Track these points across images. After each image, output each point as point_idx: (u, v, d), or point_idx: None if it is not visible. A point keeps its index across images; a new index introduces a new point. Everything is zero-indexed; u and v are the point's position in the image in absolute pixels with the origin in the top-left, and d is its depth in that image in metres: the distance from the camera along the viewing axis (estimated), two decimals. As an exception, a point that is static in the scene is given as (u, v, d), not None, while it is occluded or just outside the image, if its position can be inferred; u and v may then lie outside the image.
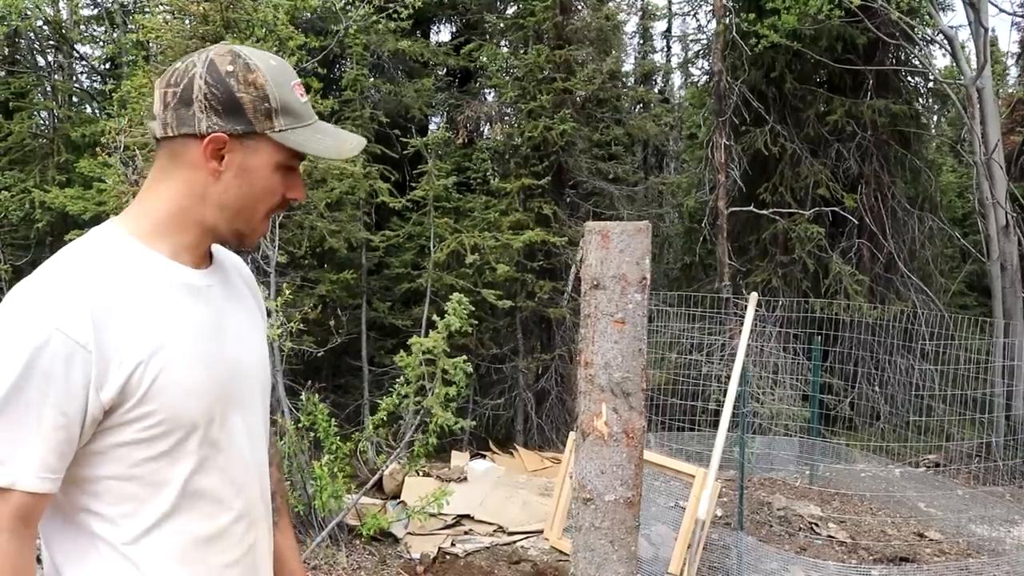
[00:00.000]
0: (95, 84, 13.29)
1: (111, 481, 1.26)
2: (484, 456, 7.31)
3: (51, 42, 12.34)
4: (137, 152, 6.40)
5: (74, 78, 13.19)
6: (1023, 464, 5.44)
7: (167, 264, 1.33)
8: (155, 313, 1.27)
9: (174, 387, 1.25)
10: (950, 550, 5.61)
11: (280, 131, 1.30)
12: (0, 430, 1.17)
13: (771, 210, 9.31)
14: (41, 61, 12.48)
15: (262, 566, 1.43)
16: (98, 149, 7.09)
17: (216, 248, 1.50)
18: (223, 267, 1.48)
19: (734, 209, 9.26)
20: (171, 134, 1.30)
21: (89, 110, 12.84)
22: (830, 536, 5.57)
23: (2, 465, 1.17)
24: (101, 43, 12.76)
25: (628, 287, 3.53)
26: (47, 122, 12.50)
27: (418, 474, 5.91)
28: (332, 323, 6.30)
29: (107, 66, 12.74)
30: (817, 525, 5.69)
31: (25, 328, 1.18)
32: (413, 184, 8.60)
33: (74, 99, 12.97)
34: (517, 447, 7.86)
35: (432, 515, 5.35)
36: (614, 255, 3.52)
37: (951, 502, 6.42)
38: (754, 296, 4.74)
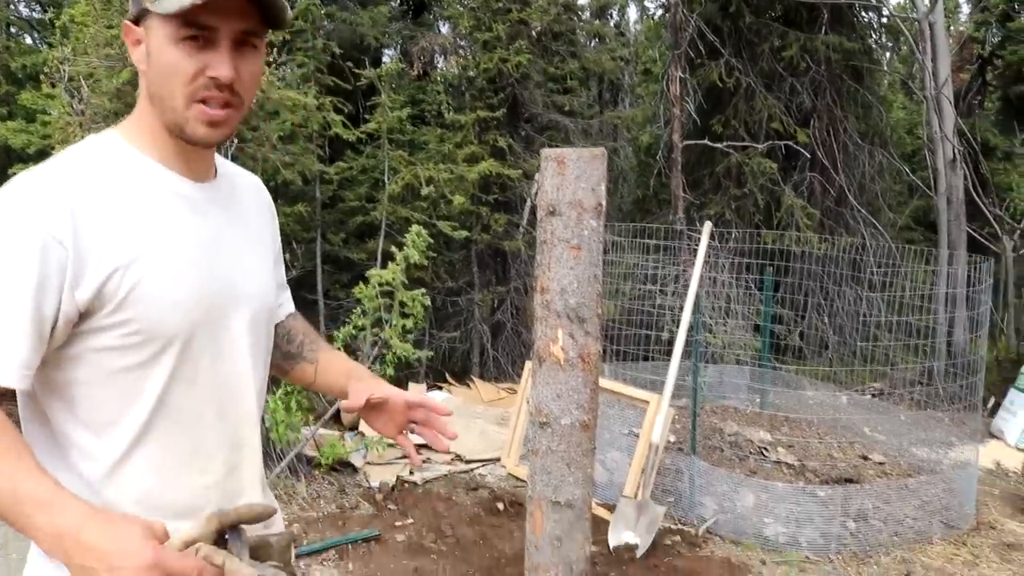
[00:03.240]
0: (34, 13, 12.81)
1: (87, 387, 1.25)
2: (441, 388, 7.37)
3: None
4: (83, 82, 6.22)
5: (11, 6, 12.70)
6: (961, 390, 5.62)
7: (159, 172, 1.31)
8: (140, 220, 1.25)
9: (153, 298, 1.23)
10: (892, 471, 5.81)
11: (157, 1, 1.22)
12: None
13: (725, 143, 9.36)
14: (-25, -10, 11.99)
15: (247, 490, 1.43)
16: (42, 78, 6.87)
17: (230, 166, 1.49)
18: (231, 185, 1.45)
19: (688, 142, 9.30)
20: None
21: (29, 40, 12.40)
22: (779, 460, 5.74)
23: None
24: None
25: (584, 213, 3.55)
26: (-16, 53, 12.06)
27: (376, 405, 5.95)
28: (287, 256, 6.21)
29: (47, -6, 12.29)
30: (767, 449, 5.85)
31: (4, 221, 1.17)
32: (367, 117, 8.48)
33: (12, 29, 12.50)
34: (474, 379, 7.93)
35: (390, 445, 5.40)
36: (570, 181, 3.53)
37: (894, 426, 6.64)
38: (708, 225, 4.80)
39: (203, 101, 1.26)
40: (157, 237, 1.26)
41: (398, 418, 1.64)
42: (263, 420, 5.12)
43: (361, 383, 1.61)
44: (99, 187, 1.23)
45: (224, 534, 1.19)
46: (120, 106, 5.75)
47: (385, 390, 1.61)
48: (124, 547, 1.06)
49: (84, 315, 1.21)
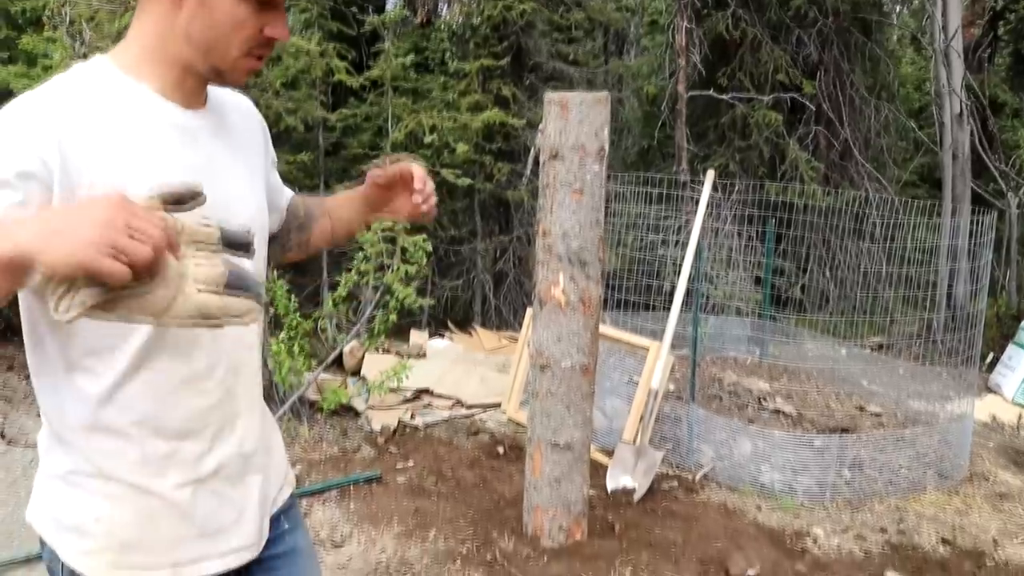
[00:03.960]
0: (34, -44, 12.62)
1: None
2: (443, 335, 7.42)
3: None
4: (84, 25, 6.17)
5: (11, -51, 12.51)
6: (960, 343, 5.65)
7: (152, 98, 1.31)
8: (132, 147, 1.26)
9: None
10: (888, 423, 5.87)
11: None
12: None
13: (730, 95, 9.29)
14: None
15: (244, 412, 1.45)
16: (43, 21, 6.80)
17: (220, 91, 1.48)
18: (221, 110, 1.46)
19: (693, 93, 9.23)
20: None
21: (30, -17, 12.23)
22: (777, 410, 5.80)
23: None
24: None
25: (586, 157, 3.56)
26: (-19, -2, 11.89)
27: (378, 351, 6.00)
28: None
29: (45, -65, 12.08)
30: (765, 399, 5.91)
31: None
32: (370, 64, 8.42)
33: (12, -28, 12.32)
34: (475, 327, 7.97)
35: (392, 389, 5.46)
36: (573, 126, 3.54)
37: (892, 379, 6.69)
38: (711, 174, 4.79)
39: (254, 56, 1.33)
40: (148, 165, 1.26)
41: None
42: (266, 364, 5.17)
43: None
44: (88, 113, 1.23)
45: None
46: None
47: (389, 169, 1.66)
48: (95, 200, 1.02)
49: None
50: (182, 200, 1.08)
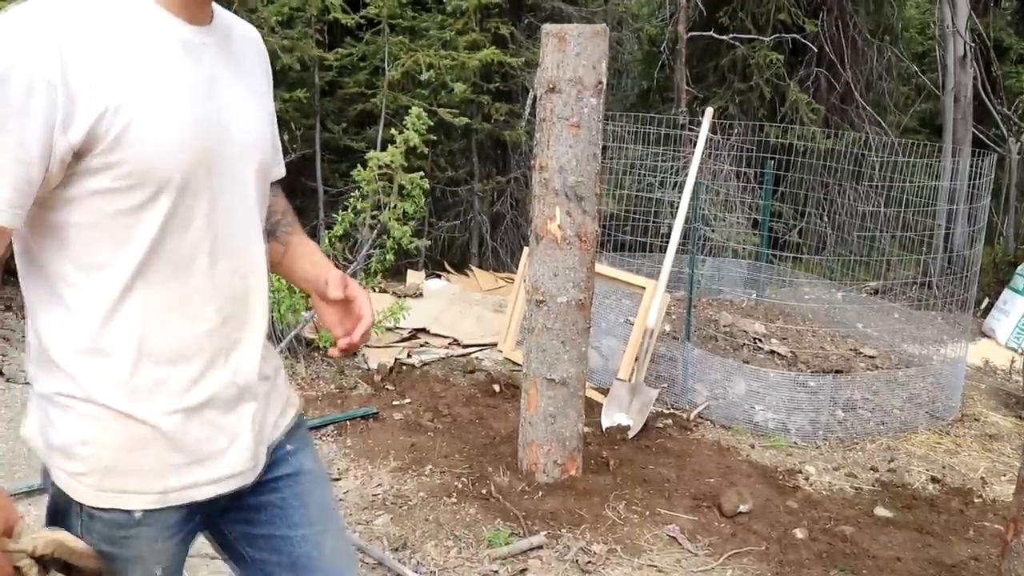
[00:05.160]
0: None
1: (80, 229, 1.26)
2: (440, 276, 7.42)
3: None
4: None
5: None
6: (955, 285, 5.67)
7: (155, 12, 1.29)
8: (134, 60, 1.24)
9: (146, 140, 1.23)
10: (882, 365, 5.91)
11: None
12: None
13: (731, 35, 9.16)
14: None
15: (245, 342, 1.44)
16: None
17: (226, 14, 1.46)
18: (227, 32, 1.43)
19: (694, 34, 9.11)
20: None
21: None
22: (772, 351, 5.83)
23: None
24: None
25: (584, 91, 3.53)
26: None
27: (375, 290, 5.99)
28: (286, 138, 6.19)
29: None
30: (760, 340, 5.93)
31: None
32: (366, 1, 8.28)
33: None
34: (472, 267, 7.97)
35: (388, 329, 5.47)
36: (570, 59, 3.50)
37: (887, 323, 6.72)
38: (709, 111, 4.75)
39: None
40: (149, 79, 1.24)
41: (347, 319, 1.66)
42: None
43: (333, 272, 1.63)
44: (89, 25, 1.21)
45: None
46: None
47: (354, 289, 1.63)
48: None
49: (77, 156, 1.21)
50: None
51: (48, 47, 1.15)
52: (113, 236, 1.27)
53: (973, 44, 9.13)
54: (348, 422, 4.51)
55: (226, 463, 1.42)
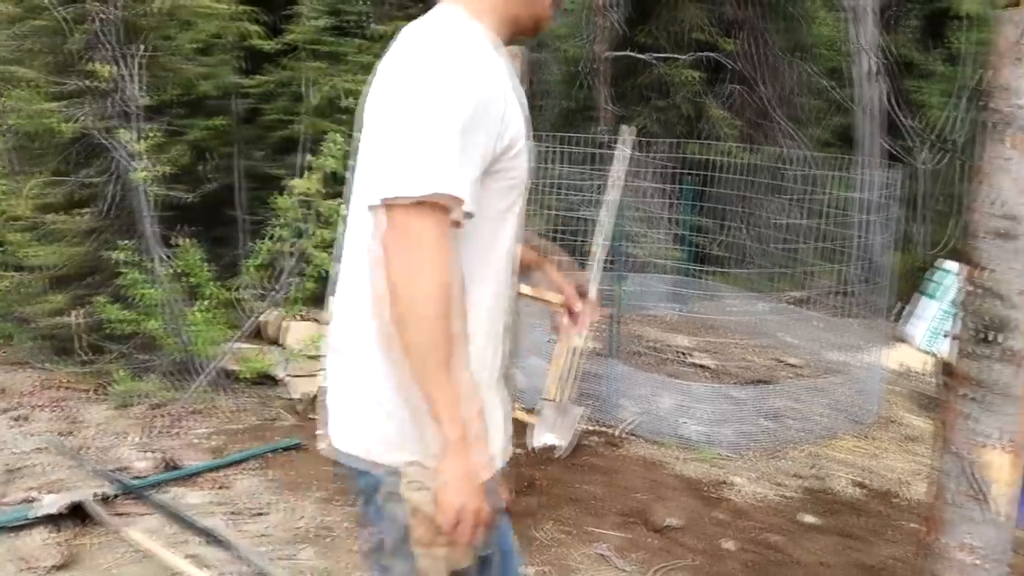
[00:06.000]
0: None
1: (474, 222, 1.46)
2: (366, 302, 7.33)
3: None
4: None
5: None
6: (870, 292, 5.82)
7: (499, 49, 1.57)
8: (514, 96, 1.53)
9: (523, 155, 1.53)
10: (805, 373, 6.03)
11: None
12: (460, 161, 1.38)
13: (650, 55, 9.31)
14: None
15: (509, 333, 1.67)
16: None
17: None
18: None
19: (613, 54, 9.23)
20: None
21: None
22: (698, 364, 5.90)
23: (454, 183, 1.37)
24: None
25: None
26: None
27: (297, 319, 5.90)
28: (203, 167, 6.07)
29: None
30: (686, 354, 6.00)
31: (473, 78, 1.41)
32: (285, 27, 8.20)
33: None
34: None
35: (311, 357, 5.38)
36: (484, 81, 3.49)
37: (809, 332, 6.86)
38: (625, 130, 4.80)
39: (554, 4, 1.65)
40: (520, 113, 1.54)
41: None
42: (182, 335, 5.06)
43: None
44: (500, 64, 1.50)
45: None
46: None
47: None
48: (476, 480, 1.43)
49: (495, 158, 1.47)
50: None
51: (502, 75, 1.48)
52: (491, 231, 1.55)
53: (882, 60, 9.44)
54: (272, 454, 4.42)
55: (505, 436, 1.73)
